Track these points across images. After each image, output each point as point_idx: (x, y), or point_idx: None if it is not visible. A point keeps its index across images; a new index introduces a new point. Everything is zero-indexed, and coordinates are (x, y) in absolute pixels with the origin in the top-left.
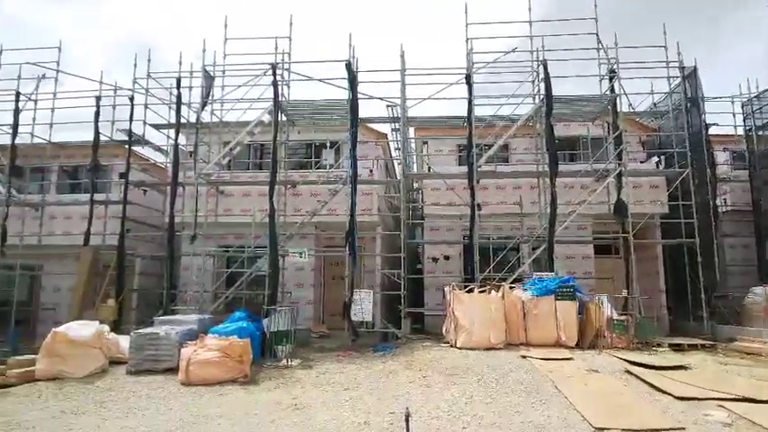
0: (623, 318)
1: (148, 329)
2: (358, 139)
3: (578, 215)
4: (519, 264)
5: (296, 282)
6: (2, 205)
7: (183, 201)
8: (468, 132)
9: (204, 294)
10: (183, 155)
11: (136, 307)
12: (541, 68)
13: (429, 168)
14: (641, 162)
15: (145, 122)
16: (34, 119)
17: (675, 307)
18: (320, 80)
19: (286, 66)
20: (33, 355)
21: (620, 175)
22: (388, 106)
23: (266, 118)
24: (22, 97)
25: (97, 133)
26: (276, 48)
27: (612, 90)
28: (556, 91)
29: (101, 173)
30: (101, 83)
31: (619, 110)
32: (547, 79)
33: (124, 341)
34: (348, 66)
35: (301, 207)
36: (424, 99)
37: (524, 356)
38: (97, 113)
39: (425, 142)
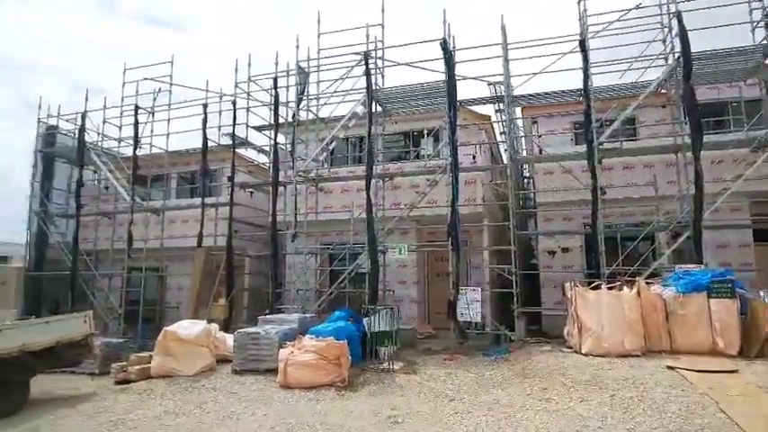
0: None
1: (250, 329)
2: (458, 124)
3: (731, 194)
4: (654, 256)
5: (399, 279)
6: (127, 212)
7: (284, 200)
8: (586, 105)
9: (308, 293)
10: (284, 154)
11: (246, 306)
12: (675, 22)
13: (540, 150)
14: None
15: (247, 125)
16: (152, 130)
17: None
18: (408, 64)
19: (379, 54)
20: (151, 352)
21: None
22: (489, 84)
23: (360, 109)
24: (141, 111)
25: (205, 139)
26: (368, 36)
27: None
28: (693, 48)
29: (211, 177)
30: (206, 91)
31: None
32: (683, 34)
33: (231, 340)
34: (443, 44)
35: (400, 201)
36: (535, 74)
37: (671, 367)
38: (204, 120)
39: (535, 121)
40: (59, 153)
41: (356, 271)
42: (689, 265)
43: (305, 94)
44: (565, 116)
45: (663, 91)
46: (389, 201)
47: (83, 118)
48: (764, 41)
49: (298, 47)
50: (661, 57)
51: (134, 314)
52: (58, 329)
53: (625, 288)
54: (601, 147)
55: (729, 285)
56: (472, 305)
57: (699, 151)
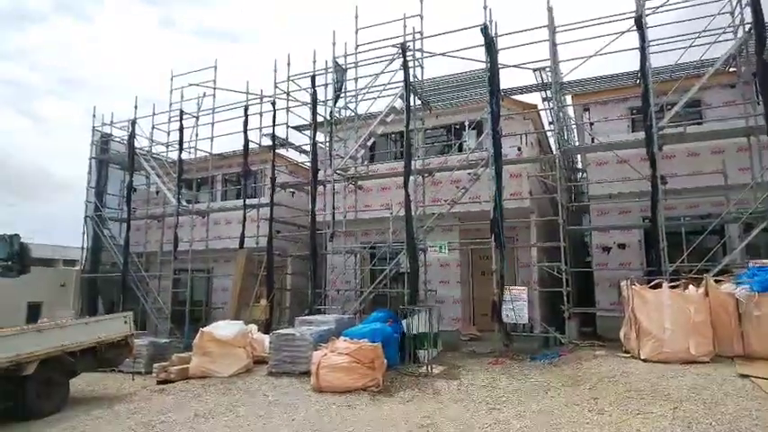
0: None
1: (285, 330)
2: (502, 114)
3: None
4: (724, 251)
5: (441, 278)
6: (173, 215)
7: (323, 199)
8: (644, 88)
9: (348, 293)
10: (323, 153)
11: (289, 306)
12: None
13: (593, 140)
14: None
15: (287, 125)
16: (197, 134)
17: None
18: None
19: (417, 45)
20: (191, 353)
21: None
22: (534, 71)
23: (398, 104)
24: (186, 116)
25: (246, 141)
26: (405, 28)
27: None
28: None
29: (254, 178)
30: (247, 93)
31: None
32: (755, 1)
33: (269, 341)
34: (484, 30)
35: (441, 197)
36: (585, 58)
37: (745, 375)
38: (245, 122)
39: (586, 109)
40: (112, 159)
41: (397, 271)
42: (766, 261)
43: (342, 90)
44: (620, 102)
45: (732, 69)
46: (430, 197)
47: (132, 125)
48: None
49: (334, 43)
50: (729, 30)
51: (182, 315)
52: (98, 330)
53: (690, 287)
54: (661, 132)
55: None
56: (517, 306)
57: None
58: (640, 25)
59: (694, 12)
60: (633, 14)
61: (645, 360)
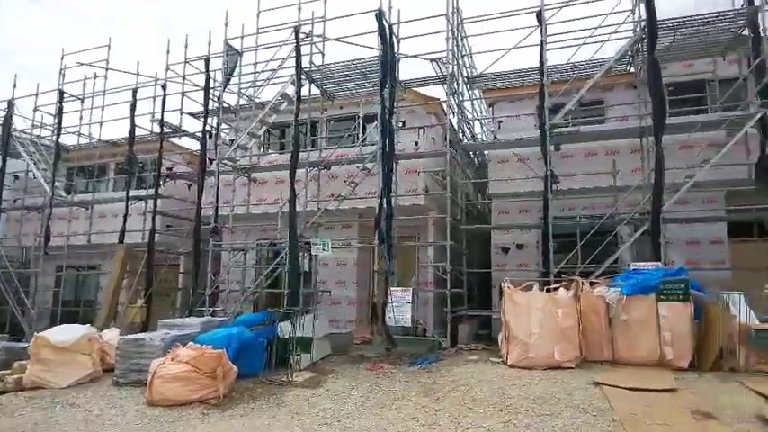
0: None
1: (134, 335)
2: (405, 106)
3: (704, 184)
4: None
5: (338, 278)
6: (59, 206)
7: (216, 192)
8: (540, 85)
9: (236, 294)
10: (221, 142)
11: (179, 307)
12: None
13: (494, 136)
14: None
15: (181, 111)
16: (81, 117)
17: None
18: (337, 39)
19: (319, 30)
20: None
21: (763, 123)
22: (432, 61)
23: (291, 90)
24: (70, 98)
25: (133, 127)
26: (300, 12)
27: (751, 3)
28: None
29: (150, 168)
30: (137, 74)
31: (762, 29)
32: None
33: None
34: (378, 15)
35: (337, 192)
36: (483, 52)
37: (599, 383)
38: (133, 106)
39: (491, 105)
40: None
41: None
42: (643, 263)
43: (236, 75)
44: (529, 99)
45: (631, 71)
46: (328, 191)
47: (9, 105)
48: (744, 7)
49: (227, 24)
50: (628, 30)
51: (67, 315)
52: None
53: (561, 290)
54: (555, 130)
55: (682, 286)
56: (400, 308)
57: (661, 134)
58: (540, 20)
59: (598, 7)
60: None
61: (511, 366)
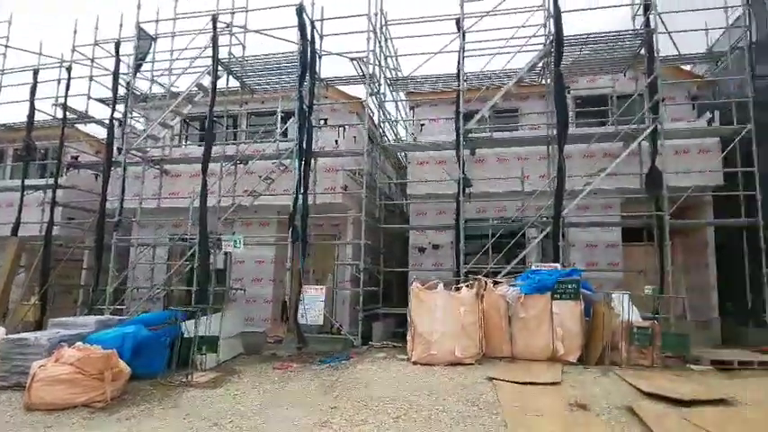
0: (647, 324)
1: (19, 335)
2: (327, 104)
3: (603, 191)
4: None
5: (254, 276)
6: None
7: (122, 183)
8: (458, 90)
9: (149, 291)
10: (130, 130)
11: (81, 304)
12: (549, 2)
13: (415, 138)
14: (690, 121)
15: (88, 96)
16: None
17: (734, 309)
18: (258, 31)
19: (241, 21)
20: None
21: (654, 137)
22: (353, 60)
23: (206, 81)
24: None
25: (32, 110)
26: (219, 1)
27: (647, 24)
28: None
29: (44, 155)
30: (39, 54)
31: (656, 50)
32: (557, 15)
33: None
34: (299, 10)
35: (254, 188)
36: (405, 55)
37: (491, 378)
38: (33, 88)
39: (413, 107)
40: None
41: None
42: (542, 264)
43: (148, 61)
44: (449, 104)
45: (543, 82)
46: (244, 186)
47: None
48: (642, 29)
49: (140, 6)
50: (539, 43)
51: None
52: None
53: (464, 289)
54: (471, 136)
55: (574, 286)
56: (313, 306)
57: (563, 143)
58: (459, 28)
59: (516, 20)
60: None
61: (415, 363)
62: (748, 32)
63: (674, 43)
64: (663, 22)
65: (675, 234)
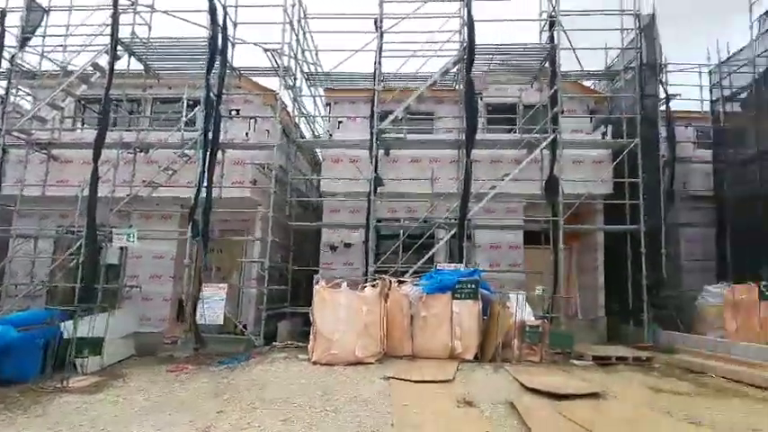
0: (538, 323)
1: None
2: (236, 95)
3: (508, 196)
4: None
5: (153, 273)
6: None
7: (0, 167)
8: (373, 90)
9: (22, 287)
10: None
11: None
12: (464, 10)
13: (330, 135)
14: (587, 134)
15: None
16: None
17: (618, 308)
18: (166, 12)
19: (145, 1)
20: None
21: (554, 146)
22: (266, 51)
23: (105, 60)
24: None
25: None
26: None
27: (552, 40)
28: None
29: None
30: None
31: (557, 65)
32: (470, 23)
33: None
34: None
35: (156, 178)
36: (334, 51)
37: (388, 378)
38: None
39: (328, 104)
40: None
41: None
42: (447, 264)
43: (39, 35)
44: (367, 102)
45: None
46: (144, 177)
47: None
48: (548, 43)
49: None
50: (454, 49)
51: None
52: None
53: (368, 288)
54: (384, 136)
55: (473, 286)
56: (213, 305)
57: (471, 147)
58: (377, 28)
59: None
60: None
61: (315, 363)
62: (639, 55)
63: (578, 59)
64: (569, 38)
65: (572, 238)
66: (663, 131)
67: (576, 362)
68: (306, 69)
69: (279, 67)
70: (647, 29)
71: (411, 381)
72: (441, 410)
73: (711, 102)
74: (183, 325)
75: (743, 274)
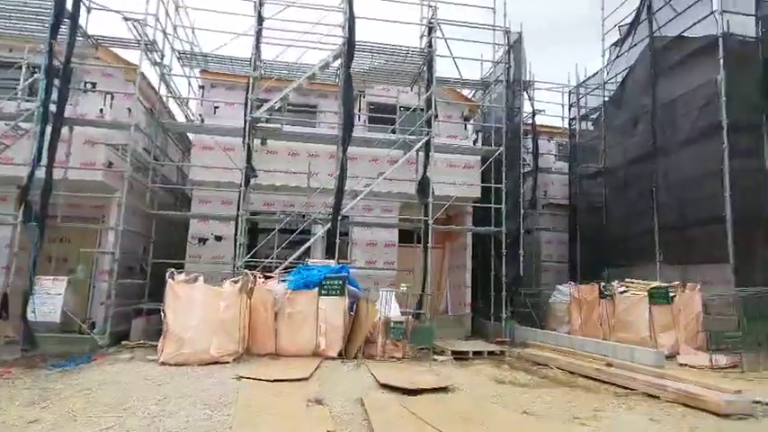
0: (402, 320)
1: None
2: (94, 66)
3: (387, 195)
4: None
5: None
6: None
7: None
8: (250, 76)
9: None
10: None
11: None
12: (346, 4)
13: (203, 120)
14: (461, 140)
15: None
16: None
17: (483, 305)
18: None
19: None
20: None
21: (428, 148)
22: (126, 20)
23: None
24: None
25: None
26: None
27: (430, 45)
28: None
29: None
30: None
31: (434, 69)
32: (351, 18)
33: None
34: None
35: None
36: (212, 32)
37: (241, 377)
38: None
39: (202, 87)
40: None
41: None
42: (318, 260)
43: None
44: (245, 89)
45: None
46: None
47: None
48: (426, 48)
49: None
50: (337, 44)
51: None
52: None
53: (227, 284)
54: (260, 125)
55: (340, 282)
56: (48, 300)
57: (347, 144)
58: (258, 12)
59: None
60: None
61: (163, 363)
62: (507, 69)
63: (458, 68)
64: (448, 46)
65: (444, 238)
66: (530, 143)
67: (437, 357)
68: (179, 48)
69: (141, 39)
70: (516, 46)
71: (264, 380)
72: (287, 410)
73: (570, 119)
74: (10, 323)
75: (589, 275)
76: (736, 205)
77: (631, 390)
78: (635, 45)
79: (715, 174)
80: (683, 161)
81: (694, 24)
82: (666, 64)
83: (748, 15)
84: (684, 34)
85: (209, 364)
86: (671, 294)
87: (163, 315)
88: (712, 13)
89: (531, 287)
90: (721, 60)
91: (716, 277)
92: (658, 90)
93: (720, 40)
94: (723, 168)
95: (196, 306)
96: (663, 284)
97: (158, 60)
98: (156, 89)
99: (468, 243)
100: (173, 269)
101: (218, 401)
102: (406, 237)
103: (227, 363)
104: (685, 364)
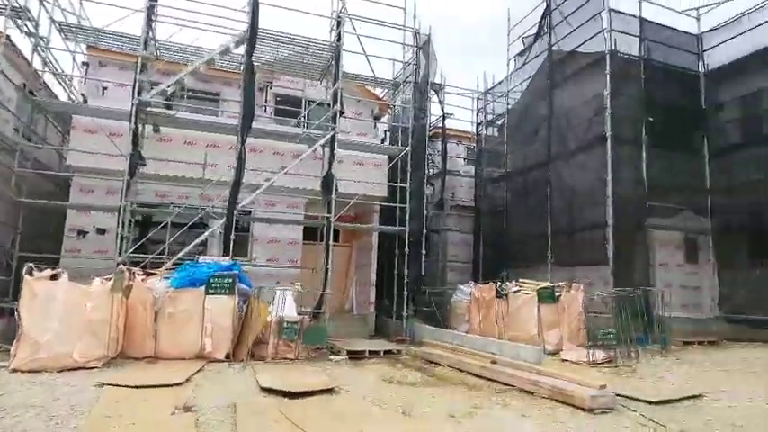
0: (297, 319)
1: None
2: None
3: (291, 191)
4: (206, 244)
5: None
6: None
7: None
8: (139, 57)
9: None
10: None
11: None
12: None
13: (86, 100)
14: (370, 138)
15: None
16: None
17: (387, 303)
18: None
19: None
20: None
21: (332, 144)
22: None
23: None
24: None
25: None
26: None
27: (339, 39)
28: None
29: None
30: None
31: (340, 64)
32: (255, 4)
33: None
34: None
35: None
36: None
37: (105, 384)
38: None
39: (86, 64)
40: None
41: None
42: (207, 257)
43: None
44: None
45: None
46: None
47: None
48: (333, 42)
49: None
50: (237, 29)
51: None
52: None
53: (96, 281)
54: (151, 110)
55: (229, 280)
56: None
57: (246, 135)
58: None
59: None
60: None
61: (15, 370)
62: (416, 71)
63: (371, 66)
64: (361, 42)
65: (352, 237)
66: (440, 146)
67: (332, 357)
68: (61, 19)
69: (7, 5)
70: (425, 47)
71: (130, 387)
72: (148, 420)
73: (477, 124)
74: None
75: (490, 275)
76: (617, 213)
77: (511, 386)
78: (536, 56)
79: (600, 182)
80: (573, 169)
81: (586, 41)
82: (562, 77)
83: (633, 36)
84: (579, 49)
85: (73, 369)
86: (557, 294)
87: (17, 316)
88: (602, 30)
89: (435, 286)
90: (608, 76)
91: (598, 278)
92: (555, 101)
93: (608, 56)
94: (606, 178)
95: (57, 306)
96: (550, 285)
97: (32, 30)
98: (30, 62)
99: (374, 242)
100: (31, 264)
101: (68, 413)
102: (312, 234)
103: (95, 368)
104: (567, 360)
